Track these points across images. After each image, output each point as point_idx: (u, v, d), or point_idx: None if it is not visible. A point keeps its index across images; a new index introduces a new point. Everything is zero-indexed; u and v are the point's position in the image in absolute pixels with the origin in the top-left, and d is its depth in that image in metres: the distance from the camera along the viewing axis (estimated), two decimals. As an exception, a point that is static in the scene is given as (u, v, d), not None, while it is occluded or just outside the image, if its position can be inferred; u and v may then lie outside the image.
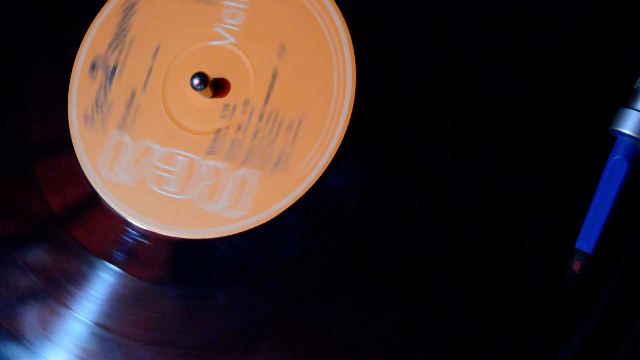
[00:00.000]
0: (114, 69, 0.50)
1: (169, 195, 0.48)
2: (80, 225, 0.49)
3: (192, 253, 0.47)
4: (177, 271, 0.47)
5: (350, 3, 0.49)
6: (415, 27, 0.47)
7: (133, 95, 0.50)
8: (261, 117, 0.48)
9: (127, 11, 0.51)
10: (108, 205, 0.48)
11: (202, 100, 0.49)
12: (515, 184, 0.43)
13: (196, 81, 0.47)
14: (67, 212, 0.49)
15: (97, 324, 0.47)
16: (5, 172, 0.51)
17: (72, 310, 0.47)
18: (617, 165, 0.41)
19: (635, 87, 0.42)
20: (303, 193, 0.46)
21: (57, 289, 0.48)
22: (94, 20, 0.52)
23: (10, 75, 0.53)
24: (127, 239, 0.48)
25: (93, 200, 0.49)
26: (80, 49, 0.52)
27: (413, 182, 0.45)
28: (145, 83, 0.50)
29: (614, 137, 0.42)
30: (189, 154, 0.48)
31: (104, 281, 0.47)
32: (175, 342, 0.45)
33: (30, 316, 0.48)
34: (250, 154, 0.47)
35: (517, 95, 0.44)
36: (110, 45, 0.51)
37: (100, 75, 0.50)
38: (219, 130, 0.48)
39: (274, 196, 0.46)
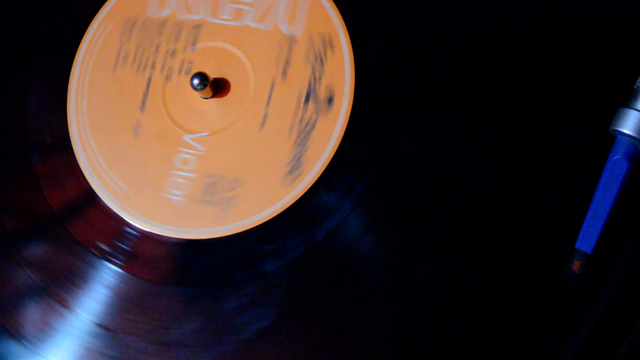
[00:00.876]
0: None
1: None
2: (80, 223, 0.49)
3: (192, 253, 0.47)
4: (177, 271, 0.48)
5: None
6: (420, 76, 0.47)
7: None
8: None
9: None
10: (107, 204, 0.49)
11: (208, 103, 0.49)
12: (515, 184, 0.43)
13: (196, 81, 0.48)
14: (66, 210, 0.50)
15: (97, 324, 0.47)
16: (5, 171, 0.52)
17: (71, 309, 0.48)
18: (617, 165, 0.41)
19: (635, 87, 0.41)
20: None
21: (56, 288, 0.48)
22: (93, 18, 0.52)
23: (10, 75, 0.53)
24: (126, 238, 0.48)
25: (92, 198, 0.49)
26: (79, 47, 0.52)
27: (411, 180, 0.45)
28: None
29: (613, 137, 0.41)
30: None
31: (104, 280, 0.48)
32: (174, 341, 0.46)
33: (29, 315, 0.48)
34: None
35: (517, 96, 0.44)
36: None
37: None
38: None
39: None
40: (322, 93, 0.48)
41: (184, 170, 0.49)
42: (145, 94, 0.50)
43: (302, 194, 0.47)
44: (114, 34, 0.52)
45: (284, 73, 0.49)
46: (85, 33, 0.52)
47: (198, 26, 0.50)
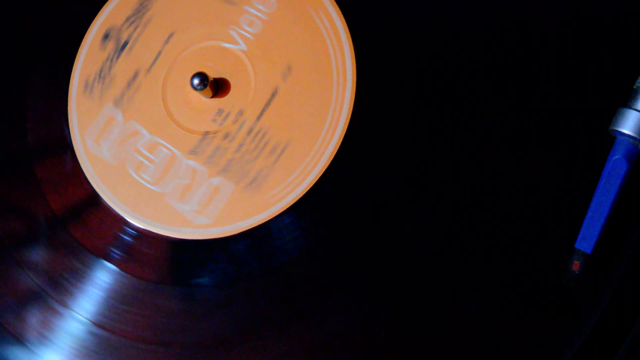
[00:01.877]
0: (125, 43, 0.50)
1: (144, 183, 0.48)
2: (81, 224, 0.49)
3: (191, 253, 0.47)
4: (176, 270, 0.47)
5: (361, 29, 0.48)
6: (422, 59, 0.47)
7: (136, 75, 0.50)
8: (250, 131, 0.48)
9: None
10: (107, 204, 0.49)
11: (201, 100, 0.49)
12: (515, 184, 0.43)
13: (196, 81, 0.48)
14: (67, 211, 0.49)
15: (96, 324, 0.47)
16: (5, 172, 0.52)
17: (71, 309, 0.47)
18: (616, 165, 0.41)
19: (635, 87, 0.42)
20: (267, 219, 0.46)
21: (56, 288, 0.48)
22: (93, 21, 0.52)
23: (10, 74, 0.53)
24: (124, 238, 0.48)
25: (92, 199, 0.49)
26: (96, 18, 0.52)
27: (412, 183, 0.45)
28: (151, 66, 0.50)
29: (613, 137, 0.42)
30: (172, 148, 0.48)
31: (103, 280, 0.47)
32: (173, 341, 0.45)
33: (29, 315, 0.48)
34: (229, 164, 0.47)
35: (517, 96, 0.44)
36: (127, 20, 0.51)
37: (110, 46, 0.51)
38: (207, 133, 0.48)
39: (240, 213, 0.46)
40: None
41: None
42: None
43: (301, 195, 0.47)
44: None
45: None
46: (87, 32, 0.52)
47: None
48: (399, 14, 0.48)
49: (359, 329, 0.43)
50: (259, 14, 0.50)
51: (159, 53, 0.50)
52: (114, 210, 0.48)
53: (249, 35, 0.49)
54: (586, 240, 0.41)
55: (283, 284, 0.45)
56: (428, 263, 0.43)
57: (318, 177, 0.46)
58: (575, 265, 0.41)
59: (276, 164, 0.47)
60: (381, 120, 0.46)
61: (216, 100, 0.49)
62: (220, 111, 0.48)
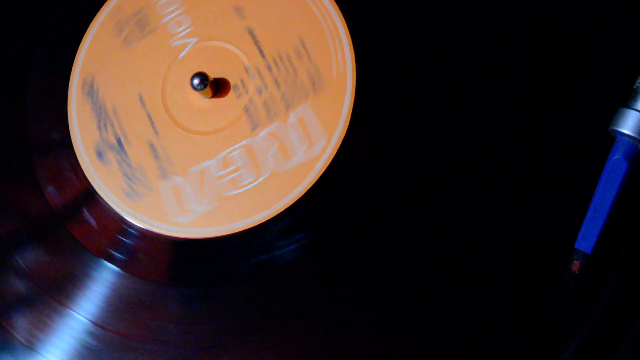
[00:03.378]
0: (119, 142, 0.50)
1: (252, 185, 0.47)
2: (80, 223, 0.49)
3: (192, 253, 0.47)
4: (177, 271, 0.47)
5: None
6: (421, 62, 0.47)
7: (152, 146, 0.49)
8: (269, 67, 0.48)
9: (91, 93, 0.51)
10: (107, 204, 0.49)
11: (207, 104, 0.49)
12: (514, 184, 0.43)
13: (196, 81, 0.48)
14: (66, 210, 0.49)
15: (96, 324, 0.47)
16: (5, 171, 0.52)
17: (71, 309, 0.47)
18: (616, 165, 0.41)
19: (635, 87, 0.42)
20: (266, 219, 0.46)
21: (56, 288, 0.48)
22: (94, 19, 0.52)
23: (10, 74, 0.53)
24: (125, 238, 0.48)
25: (91, 199, 0.49)
26: (80, 46, 0.52)
27: (413, 180, 0.45)
28: (154, 127, 0.50)
29: (613, 137, 0.42)
30: (239, 144, 0.48)
31: (103, 280, 0.47)
32: (174, 341, 0.45)
33: (29, 315, 0.48)
34: (286, 99, 0.48)
35: (517, 95, 0.44)
36: (100, 129, 0.50)
37: (111, 157, 0.50)
38: (246, 106, 0.48)
39: (335, 112, 0.47)
40: None
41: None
42: None
43: (300, 195, 0.46)
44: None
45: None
46: (89, 27, 0.52)
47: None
48: (399, 14, 0.48)
49: (359, 329, 0.43)
50: (176, 11, 0.51)
51: (148, 115, 0.50)
52: (113, 210, 0.49)
53: (188, 30, 0.50)
54: (586, 240, 0.41)
55: (284, 284, 0.45)
56: (428, 263, 0.43)
57: (319, 176, 0.46)
58: (575, 265, 0.41)
59: (311, 57, 0.48)
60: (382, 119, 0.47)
61: (216, 100, 0.49)
62: (235, 87, 0.49)
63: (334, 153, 0.46)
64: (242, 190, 0.47)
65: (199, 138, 0.48)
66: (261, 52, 0.49)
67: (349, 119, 0.47)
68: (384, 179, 0.45)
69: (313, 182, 0.46)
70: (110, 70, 0.51)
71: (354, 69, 0.47)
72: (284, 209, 0.46)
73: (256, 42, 0.49)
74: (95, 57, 0.52)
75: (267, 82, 0.48)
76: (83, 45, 0.52)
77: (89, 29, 0.52)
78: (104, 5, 0.52)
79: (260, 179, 0.47)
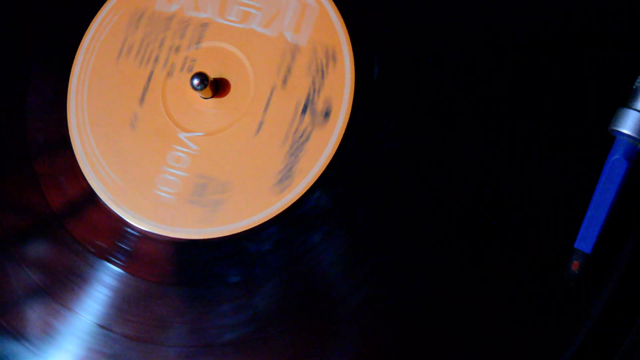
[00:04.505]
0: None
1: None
2: (79, 223, 0.49)
3: (193, 253, 0.47)
4: (177, 271, 0.47)
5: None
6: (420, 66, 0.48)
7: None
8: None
9: None
10: (107, 204, 0.48)
11: (209, 103, 0.49)
12: (514, 184, 0.43)
13: (196, 81, 0.48)
14: (66, 210, 0.49)
15: (98, 324, 0.46)
16: (5, 171, 0.51)
17: (72, 310, 0.47)
18: (616, 165, 0.41)
19: (634, 87, 0.42)
20: (267, 218, 0.46)
21: (57, 288, 0.48)
22: (93, 19, 0.52)
23: (10, 73, 0.53)
24: (126, 239, 0.48)
25: (91, 197, 0.49)
26: (80, 45, 0.52)
27: (414, 177, 0.45)
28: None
29: (613, 136, 0.42)
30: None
31: (104, 281, 0.47)
32: (175, 341, 0.45)
33: (29, 315, 0.48)
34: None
35: (517, 95, 0.45)
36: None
37: None
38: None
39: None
40: (319, 106, 0.48)
41: (176, 168, 0.48)
42: (146, 88, 0.50)
43: (291, 203, 0.46)
44: (121, 24, 0.52)
45: (284, 81, 0.49)
46: (90, 25, 0.52)
47: (205, 25, 0.50)
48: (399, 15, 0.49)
49: (358, 329, 0.43)
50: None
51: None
52: (113, 211, 0.48)
53: (187, 158, 0.50)
54: (585, 240, 0.41)
55: (285, 283, 0.45)
56: (428, 263, 0.43)
57: (321, 172, 0.46)
58: (575, 265, 0.41)
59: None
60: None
61: (216, 100, 0.49)
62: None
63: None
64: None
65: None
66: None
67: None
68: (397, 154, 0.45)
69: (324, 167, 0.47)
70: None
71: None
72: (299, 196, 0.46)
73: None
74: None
75: None
76: (78, 57, 0.53)
77: (89, 26, 0.53)
78: (92, 21, 0.53)
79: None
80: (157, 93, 0.50)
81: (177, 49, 0.50)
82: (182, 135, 0.49)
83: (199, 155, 0.48)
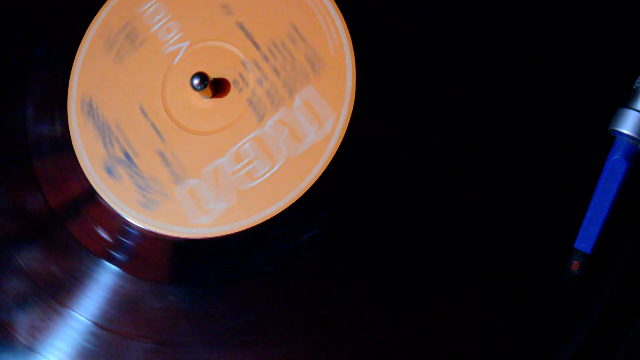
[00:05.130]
0: (127, 155, 0.50)
1: (268, 174, 0.47)
2: (80, 223, 0.49)
3: (192, 253, 0.47)
4: (177, 271, 0.47)
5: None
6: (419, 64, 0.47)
7: (162, 154, 0.49)
8: (266, 58, 0.49)
9: (91, 112, 0.51)
10: (107, 204, 0.49)
11: (209, 104, 0.49)
12: (514, 184, 0.43)
13: (196, 81, 0.48)
14: (66, 210, 0.49)
15: (96, 324, 0.47)
16: (5, 171, 0.52)
17: (71, 309, 0.47)
18: (616, 165, 0.41)
19: (634, 87, 0.42)
20: (266, 218, 0.46)
21: (56, 288, 0.48)
22: (93, 20, 0.52)
23: (10, 73, 0.53)
24: (126, 238, 0.48)
25: (92, 198, 0.49)
26: (80, 46, 0.52)
27: (415, 176, 0.45)
28: (160, 135, 0.50)
29: (613, 137, 0.42)
30: (248, 137, 0.48)
31: (103, 280, 0.47)
32: (174, 341, 0.45)
33: (29, 315, 0.48)
34: (288, 84, 0.48)
35: (517, 95, 0.44)
36: (106, 146, 0.50)
37: (122, 171, 0.49)
38: (249, 99, 0.48)
39: (339, 89, 0.47)
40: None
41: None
42: None
43: (318, 176, 0.47)
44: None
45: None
46: (91, 24, 0.52)
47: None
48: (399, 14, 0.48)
49: (365, 327, 0.43)
50: (163, 19, 0.51)
51: (152, 124, 0.50)
52: (113, 210, 0.49)
53: (178, 36, 0.51)
54: (585, 240, 0.41)
55: (285, 283, 0.45)
56: (428, 263, 0.43)
57: (334, 154, 0.47)
58: (575, 265, 0.41)
59: (306, 40, 0.48)
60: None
61: (217, 99, 0.49)
62: (235, 82, 0.49)
63: (345, 129, 0.46)
64: (260, 181, 0.47)
65: (207, 138, 0.48)
66: (255, 44, 0.49)
67: (354, 92, 0.47)
68: (398, 149, 0.45)
69: (329, 161, 0.46)
70: (106, 87, 0.51)
71: (350, 42, 0.48)
72: (303, 192, 0.46)
73: (249, 35, 0.49)
74: (90, 77, 0.52)
75: (266, 72, 0.48)
76: (76, 66, 0.52)
77: (79, 50, 0.52)
78: (90, 25, 0.53)
79: (276, 167, 0.47)
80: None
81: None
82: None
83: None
